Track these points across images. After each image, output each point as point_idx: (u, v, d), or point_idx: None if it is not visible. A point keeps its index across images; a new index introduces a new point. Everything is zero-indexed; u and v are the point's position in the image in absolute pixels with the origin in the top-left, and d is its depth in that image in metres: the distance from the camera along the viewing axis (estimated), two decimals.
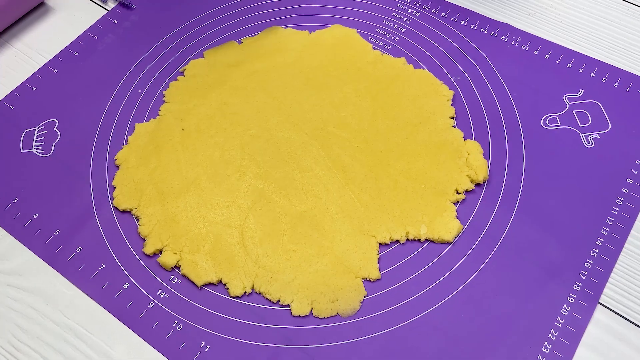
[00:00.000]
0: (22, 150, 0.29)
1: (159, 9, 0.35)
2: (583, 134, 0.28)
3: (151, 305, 0.24)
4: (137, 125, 0.30)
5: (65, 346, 0.23)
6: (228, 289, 0.24)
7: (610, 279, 0.24)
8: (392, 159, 0.27)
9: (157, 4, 0.35)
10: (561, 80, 0.30)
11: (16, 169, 0.29)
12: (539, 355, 0.22)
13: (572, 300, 0.23)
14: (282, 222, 0.26)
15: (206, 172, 0.28)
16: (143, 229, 0.26)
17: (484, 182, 0.27)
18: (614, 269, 0.24)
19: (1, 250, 0.26)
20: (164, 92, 0.31)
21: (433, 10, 0.34)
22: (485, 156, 0.28)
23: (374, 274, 0.24)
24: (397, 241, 0.25)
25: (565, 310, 0.23)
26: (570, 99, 0.30)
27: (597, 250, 0.25)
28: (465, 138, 0.28)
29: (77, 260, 0.26)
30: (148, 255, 0.26)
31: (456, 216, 0.26)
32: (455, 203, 0.26)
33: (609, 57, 0.31)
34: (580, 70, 0.31)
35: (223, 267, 0.25)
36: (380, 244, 0.25)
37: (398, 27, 0.33)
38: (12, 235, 0.26)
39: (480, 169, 0.27)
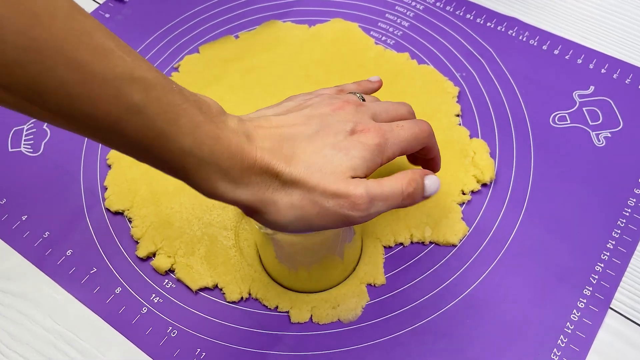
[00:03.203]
0: (10, 149, 0.29)
1: (152, 2, 0.34)
2: (593, 132, 0.28)
3: (144, 310, 0.23)
4: None
5: (55, 353, 0.23)
6: (224, 293, 0.24)
7: (621, 283, 0.23)
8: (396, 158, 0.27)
9: None
10: (571, 76, 0.30)
11: (4, 168, 0.28)
12: None
13: (582, 305, 0.23)
14: None
15: None
16: (136, 231, 0.25)
17: (491, 183, 0.26)
18: (626, 272, 0.24)
19: None
20: None
21: (437, 4, 0.33)
22: (492, 155, 0.27)
23: (379, 279, 0.24)
24: (401, 244, 0.25)
25: (575, 315, 0.22)
26: (580, 96, 0.29)
27: (608, 253, 0.24)
28: (471, 136, 0.28)
29: (67, 264, 0.25)
30: (141, 259, 0.25)
31: (462, 218, 0.25)
32: (461, 204, 0.26)
33: (620, 52, 0.30)
34: (591, 66, 0.30)
35: (219, 271, 0.24)
36: (383, 247, 0.24)
37: (401, 21, 0.32)
38: (0, 238, 0.26)
39: (486, 168, 0.26)
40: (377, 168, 0.19)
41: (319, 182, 0.17)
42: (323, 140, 0.18)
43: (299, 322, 0.23)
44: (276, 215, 0.17)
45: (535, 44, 0.31)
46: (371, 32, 0.32)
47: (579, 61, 0.30)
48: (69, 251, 0.25)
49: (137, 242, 0.25)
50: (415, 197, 0.19)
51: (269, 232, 0.19)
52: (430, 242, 0.25)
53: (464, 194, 0.26)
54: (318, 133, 0.18)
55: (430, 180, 0.19)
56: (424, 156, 0.22)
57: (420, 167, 0.22)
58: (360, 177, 0.18)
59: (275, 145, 0.17)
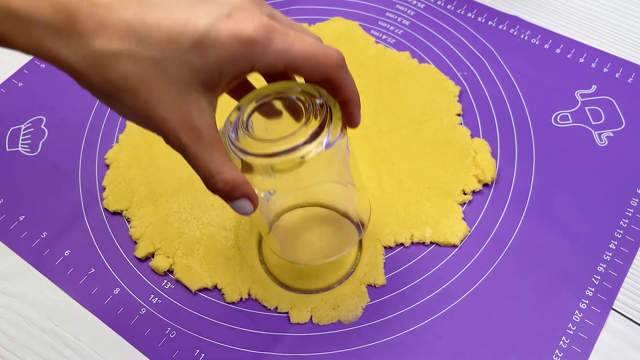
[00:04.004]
0: (7, 149, 0.28)
1: None
2: (596, 132, 0.27)
3: (143, 311, 0.23)
4: (129, 123, 0.29)
5: (53, 354, 0.22)
6: (223, 294, 0.23)
7: (623, 284, 0.23)
8: (396, 158, 0.26)
9: None
10: (573, 75, 0.29)
11: (1, 168, 0.28)
12: None
13: (584, 306, 0.23)
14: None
15: None
16: (134, 232, 0.25)
17: (492, 183, 0.26)
18: (628, 273, 0.23)
19: None
20: None
21: (439, 2, 0.33)
22: (494, 155, 0.27)
23: (380, 279, 0.23)
24: (402, 244, 0.24)
25: (577, 316, 0.22)
26: (582, 95, 0.29)
27: (610, 254, 0.24)
28: (472, 136, 0.27)
29: (65, 264, 0.25)
30: (140, 259, 0.25)
31: (463, 218, 0.25)
32: (462, 204, 0.25)
33: (622, 51, 0.30)
34: (593, 65, 0.30)
35: (218, 271, 0.24)
36: (383, 247, 0.24)
37: (402, 20, 0.32)
38: None
39: (488, 168, 0.26)
40: (245, 74, 0.15)
41: (143, 90, 0.13)
42: (187, 12, 0.14)
43: (298, 323, 0.23)
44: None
45: (536, 42, 0.31)
46: (371, 31, 0.32)
47: (581, 60, 0.30)
48: (67, 251, 0.25)
49: (135, 243, 0.25)
50: (218, 193, 0.16)
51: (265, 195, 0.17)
52: (431, 243, 0.24)
53: (465, 194, 0.26)
54: (182, 2, 0.14)
55: (241, 204, 0.16)
56: (333, 94, 0.17)
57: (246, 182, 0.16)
58: (212, 88, 0.14)
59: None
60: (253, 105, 0.17)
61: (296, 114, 0.17)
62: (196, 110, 0.15)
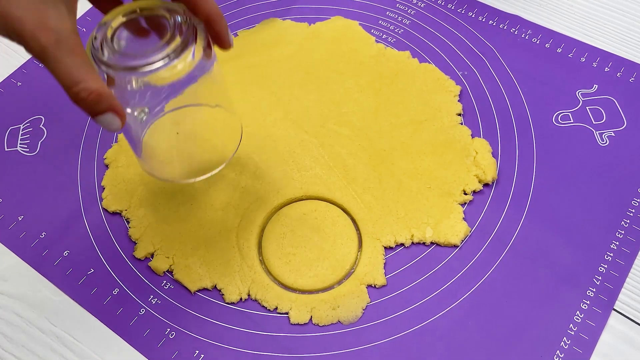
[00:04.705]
0: (6, 149, 0.28)
1: None
2: (597, 132, 0.27)
3: (142, 311, 0.23)
4: None
5: (52, 355, 0.22)
6: (223, 294, 0.23)
7: (625, 284, 0.23)
8: (396, 157, 0.26)
9: None
10: (574, 74, 0.29)
11: (0, 168, 0.27)
12: None
13: (585, 306, 0.22)
14: (281, 225, 0.25)
15: None
16: (134, 232, 0.25)
17: (493, 183, 0.26)
18: (630, 273, 0.23)
19: None
20: None
21: (439, 1, 0.33)
22: (494, 155, 0.27)
23: (380, 280, 0.23)
24: (402, 244, 0.24)
25: (578, 317, 0.22)
26: (583, 95, 0.29)
27: (611, 254, 0.24)
28: (473, 136, 0.27)
29: (64, 265, 0.25)
30: (139, 260, 0.25)
31: (463, 218, 0.25)
32: (463, 204, 0.25)
33: (624, 50, 0.30)
34: (594, 65, 0.30)
35: (218, 271, 0.24)
36: (384, 248, 0.24)
37: (402, 19, 0.32)
38: None
39: (488, 168, 0.26)
40: None
41: None
42: None
43: (298, 324, 0.23)
44: None
45: (537, 42, 0.31)
46: (372, 30, 0.32)
47: (582, 59, 0.30)
48: (65, 252, 0.25)
49: (134, 243, 0.25)
50: (82, 104, 0.15)
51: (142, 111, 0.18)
52: (432, 243, 0.24)
53: (465, 194, 0.25)
54: None
55: (108, 119, 0.16)
56: (193, 12, 0.17)
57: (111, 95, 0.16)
58: None
59: None
60: (119, 20, 0.18)
61: (164, 32, 0.18)
62: (54, 13, 0.15)
